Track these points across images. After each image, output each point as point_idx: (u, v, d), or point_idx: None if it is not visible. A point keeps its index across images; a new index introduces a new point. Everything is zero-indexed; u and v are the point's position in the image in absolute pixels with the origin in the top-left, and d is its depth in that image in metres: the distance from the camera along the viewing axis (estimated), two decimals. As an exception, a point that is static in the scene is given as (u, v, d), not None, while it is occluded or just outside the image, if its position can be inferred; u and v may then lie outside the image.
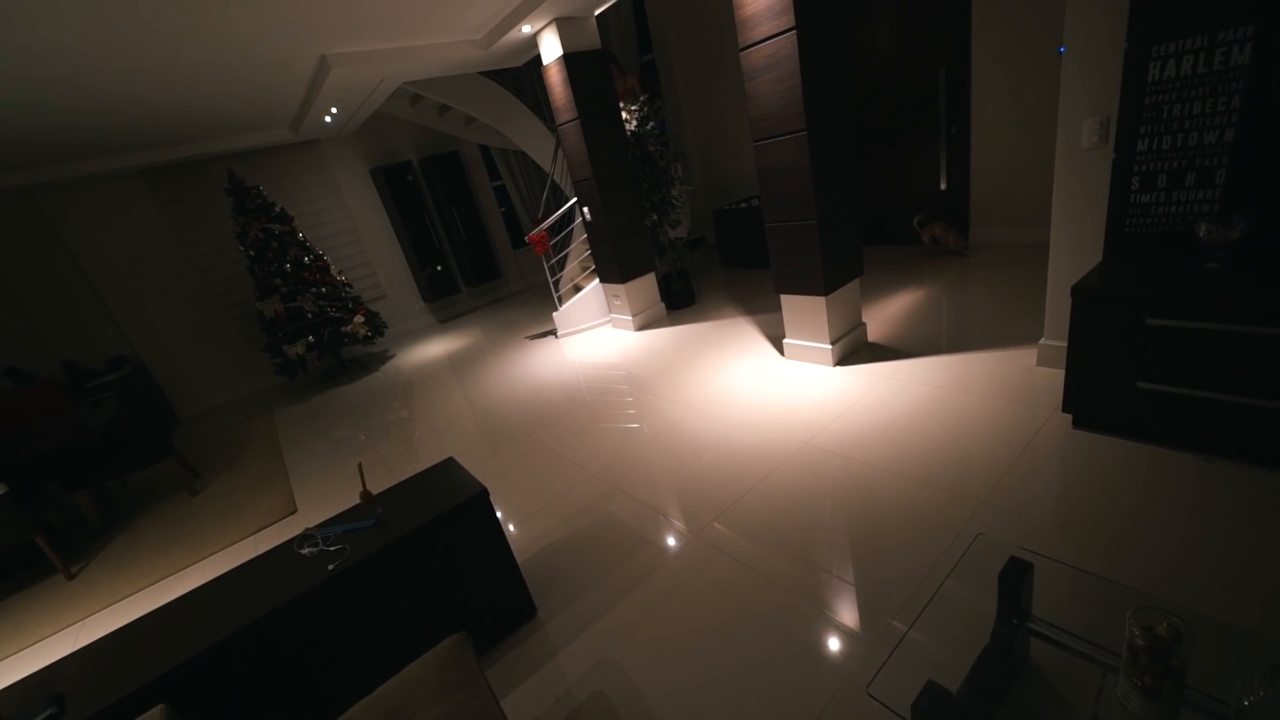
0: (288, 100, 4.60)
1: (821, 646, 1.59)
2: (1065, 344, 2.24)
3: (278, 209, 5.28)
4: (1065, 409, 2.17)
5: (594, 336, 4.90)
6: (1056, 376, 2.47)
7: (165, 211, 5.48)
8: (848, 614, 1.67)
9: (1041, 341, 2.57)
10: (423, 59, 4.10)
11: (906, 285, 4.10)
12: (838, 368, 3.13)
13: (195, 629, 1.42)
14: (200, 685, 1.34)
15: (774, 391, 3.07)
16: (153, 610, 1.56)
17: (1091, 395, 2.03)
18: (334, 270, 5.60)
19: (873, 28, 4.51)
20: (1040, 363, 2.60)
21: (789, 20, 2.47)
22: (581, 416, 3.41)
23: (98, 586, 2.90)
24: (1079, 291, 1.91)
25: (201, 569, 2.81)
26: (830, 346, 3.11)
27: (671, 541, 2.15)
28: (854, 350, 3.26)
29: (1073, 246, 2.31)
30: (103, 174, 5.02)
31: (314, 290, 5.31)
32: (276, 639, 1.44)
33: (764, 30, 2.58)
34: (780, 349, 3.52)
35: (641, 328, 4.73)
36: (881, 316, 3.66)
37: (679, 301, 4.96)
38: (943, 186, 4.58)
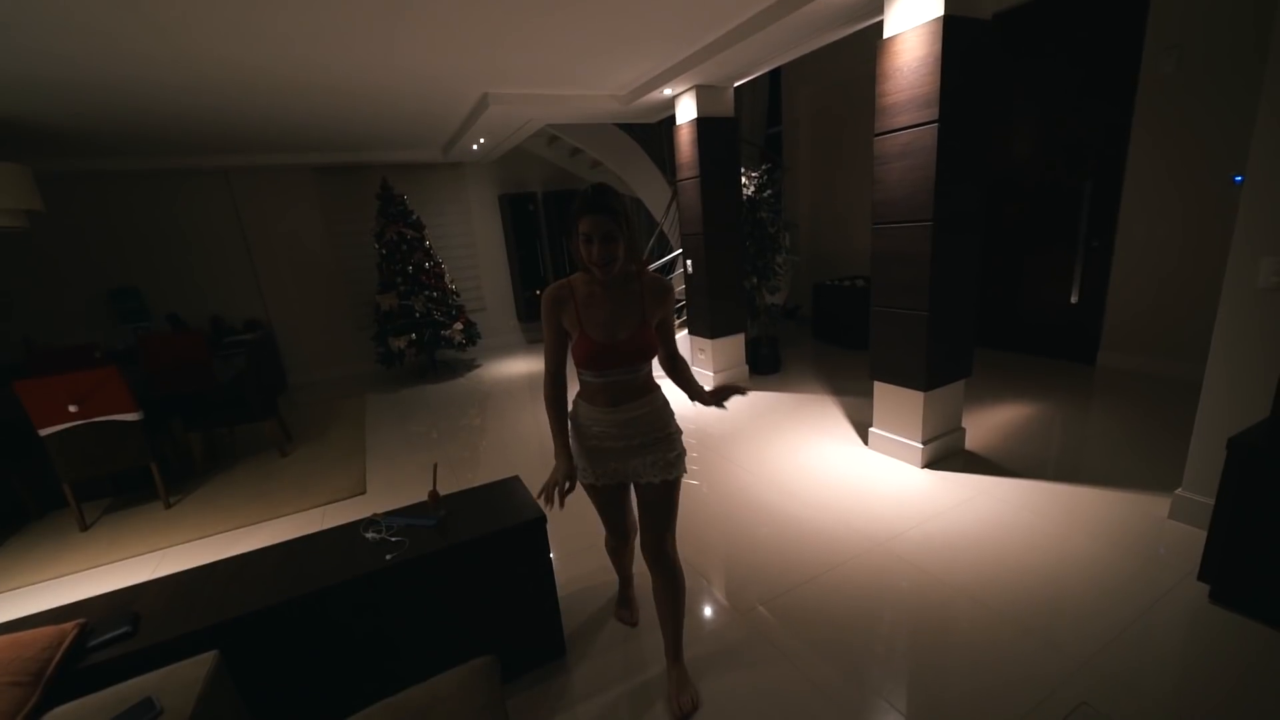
0: (446, 126, 5.17)
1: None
2: (1210, 501, 1.94)
3: (414, 216, 5.85)
4: (1202, 577, 1.86)
5: (670, 384, 4.88)
6: (1193, 535, 2.13)
7: (323, 204, 6.25)
8: (902, 752, 1.47)
9: (1178, 492, 2.24)
10: (568, 106, 4.47)
11: (1018, 397, 3.78)
12: (926, 470, 2.90)
13: (260, 585, 1.50)
14: (249, 641, 1.40)
15: (851, 480, 2.88)
16: (227, 558, 1.68)
17: (1241, 568, 1.72)
18: (447, 278, 6.07)
19: (1017, 133, 4.38)
20: (1174, 515, 2.26)
21: (933, 113, 2.45)
22: (645, 462, 3.36)
23: (186, 520, 3.18)
24: (1240, 446, 1.66)
25: (274, 526, 3.02)
26: (921, 446, 2.90)
27: (711, 614, 2.03)
28: (947, 455, 3.01)
29: (1232, 393, 2.03)
30: (284, 166, 5.87)
31: (427, 293, 5.76)
32: (324, 615, 1.49)
33: (904, 119, 2.57)
34: (864, 437, 3.32)
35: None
36: (984, 425, 3.37)
37: (764, 367, 4.87)
38: (1073, 300, 4.24)
